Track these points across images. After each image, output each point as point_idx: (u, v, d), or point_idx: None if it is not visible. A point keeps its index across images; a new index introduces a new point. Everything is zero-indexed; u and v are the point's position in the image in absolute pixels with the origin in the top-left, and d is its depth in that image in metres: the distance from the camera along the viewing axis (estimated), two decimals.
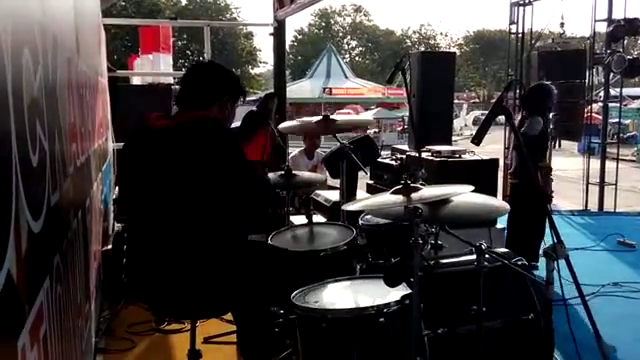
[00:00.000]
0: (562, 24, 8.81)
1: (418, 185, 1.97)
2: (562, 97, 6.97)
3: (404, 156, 4.86)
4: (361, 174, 3.66)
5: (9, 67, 1.06)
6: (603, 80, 7.72)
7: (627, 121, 19.18)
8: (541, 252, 1.76)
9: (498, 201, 2.06)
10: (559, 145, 16.41)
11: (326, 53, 33.71)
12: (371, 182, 5.10)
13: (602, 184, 7.35)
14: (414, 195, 1.86)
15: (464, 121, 27.25)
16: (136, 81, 7.93)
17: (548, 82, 4.47)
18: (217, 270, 2.02)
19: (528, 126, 3.93)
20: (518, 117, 4.17)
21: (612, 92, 7.79)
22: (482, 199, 2.05)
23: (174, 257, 2.00)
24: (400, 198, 1.86)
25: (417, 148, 3.56)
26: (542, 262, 1.80)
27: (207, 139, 2.02)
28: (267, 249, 2.38)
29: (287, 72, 9.71)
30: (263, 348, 2.16)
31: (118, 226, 4.09)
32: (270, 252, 2.36)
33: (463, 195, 1.96)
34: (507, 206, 2.03)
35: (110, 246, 3.66)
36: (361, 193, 4.08)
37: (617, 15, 7.27)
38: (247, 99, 2.47)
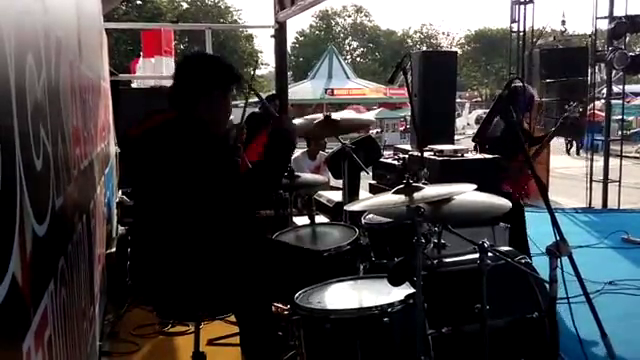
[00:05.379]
0: (563, 22, 8.86)
1: (420, 184, 1.98)
2: (564, 95, 6.99)
3: (406, 156, 4.85)
4: (364, 174, 3.66)
5: (13, 71, 1.07)
6: (605, 77, 7.71)
7: (630, 118, 19.13)
8: (544, 250, 1.75)
9: (501, 199, 2.06)
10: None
11: (327, 54, 33.70)
12: (374, 182, 5.10)
13: (606, 181, 7.33)
14: (416, 194, 1.86)
15: (466, 120, 27.22)
16: (138, 85, 7.97)
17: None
18: (220, 270, 2.03)
19: (493, 128, 3.94)
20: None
21: (615, 89, 7.78)
22: (485, 198, 2.05)
23: (177, 258, 2.01)
24: (402, 198, 1.87)
25: (419, 147, 3.55)
26: (544, 259, 1.79)
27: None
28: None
29: (289, 74, 9.71)
30: (267, 349, 2.16)
31: (122, 229, 4.10)
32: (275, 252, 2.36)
33: (466, 194, 1.96)
34: (509, 204, 2.02)
35: (114, 249, 3.67)
36: (364, 193, 4.08)
37: (618, 12, 7.27)
38: (249, 101, 2.37)
